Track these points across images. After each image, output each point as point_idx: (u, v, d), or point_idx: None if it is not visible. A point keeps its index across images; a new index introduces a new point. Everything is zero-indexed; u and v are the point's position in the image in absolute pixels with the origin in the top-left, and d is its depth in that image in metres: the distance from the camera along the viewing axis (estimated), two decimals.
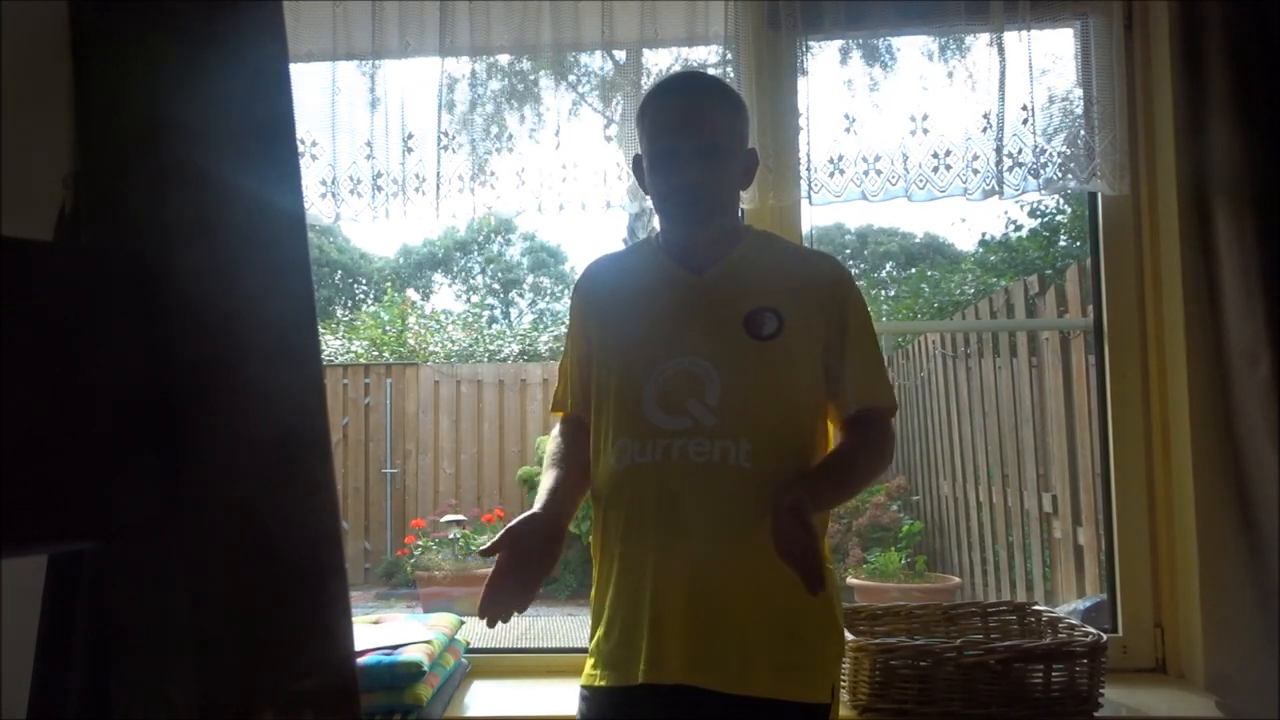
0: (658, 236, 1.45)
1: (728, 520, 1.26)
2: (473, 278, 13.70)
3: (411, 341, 9.25)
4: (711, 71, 1.94)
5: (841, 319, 1.36)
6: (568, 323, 1.52)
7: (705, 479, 1.26)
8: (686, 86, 1.42)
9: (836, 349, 1.35)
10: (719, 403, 1.28)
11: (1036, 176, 1.83)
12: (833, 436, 1.38)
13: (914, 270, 11.67)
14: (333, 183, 1.91)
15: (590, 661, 1.33)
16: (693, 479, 1.26)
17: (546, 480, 1.40)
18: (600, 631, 1.33)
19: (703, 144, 1.31)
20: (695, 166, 1.31)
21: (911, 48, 2.01)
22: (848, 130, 1.87)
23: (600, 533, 1.36)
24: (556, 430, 1.50)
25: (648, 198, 1.43)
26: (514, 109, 2.01)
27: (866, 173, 1.86)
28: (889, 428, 1.38)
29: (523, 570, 1.28)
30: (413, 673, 1.61)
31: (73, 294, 0.80)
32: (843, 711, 1.62)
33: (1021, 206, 8.21)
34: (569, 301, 1.51)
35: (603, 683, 1.29)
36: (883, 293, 11.42)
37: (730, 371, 1.29)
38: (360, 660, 1.61)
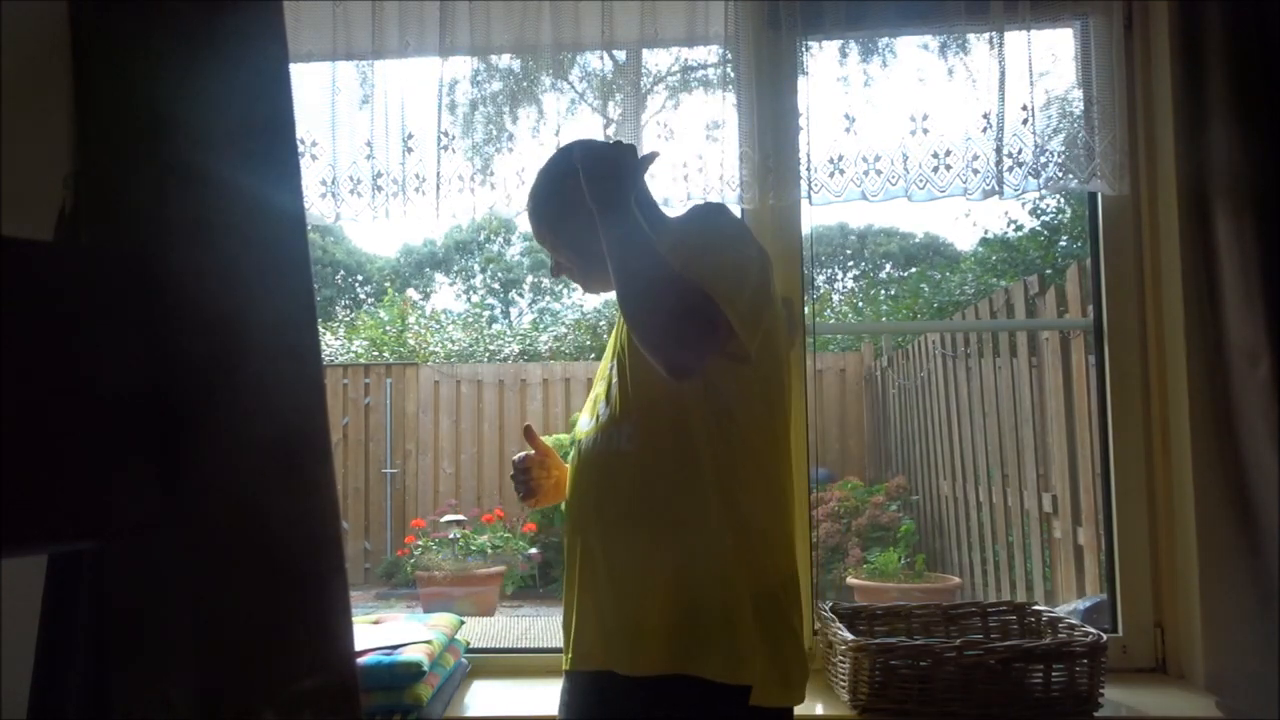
0: None
1: (614, 505, 1.29)
2: (473, 278, 13.69)
3: (411, 341, 9.25)
4: (713, 71, 1.94)
5: (696, 248, 1.24)
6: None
7: (595, 468, 1.32)
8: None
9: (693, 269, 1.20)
10: (615, 394, 1.33)
11: (1036, 176, 1.83)
12: (736, 413, 1.26)
13: (914, 270, 11.67)
14: (333, 183, 1.91)
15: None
16: (588, 471, 1.34)
17: None
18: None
19: (549, 250, 1.44)
20: (558, 266, 1.45)
21: (911, 47, 2.01)
22: (848, 130, 1.87)
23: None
24: None
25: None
26: (514, 109, 2.01)
27: (866, 173, 1.86)
28: (698, 299, 1.16)
29: None
30: (413, 673, 1.61)
31: (73, 294, 0.80)
32: (843, 711, 1.63)
33: (1023, 205, 8.22)
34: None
35: (564, 666, 1.38)
36: (883, 293, 11.41)
37: (624, 362, 1.32)
38: (360, 660, 1.61)
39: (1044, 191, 1.87)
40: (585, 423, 1.38)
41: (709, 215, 1.34)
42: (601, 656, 1.27)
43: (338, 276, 13.44)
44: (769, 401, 1.29)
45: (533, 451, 1.52)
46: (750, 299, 1.21)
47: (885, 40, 2.05)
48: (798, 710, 1.29)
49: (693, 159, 1.88)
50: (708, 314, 1.16)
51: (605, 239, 1.23)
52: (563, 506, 1.44)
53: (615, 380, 1.33)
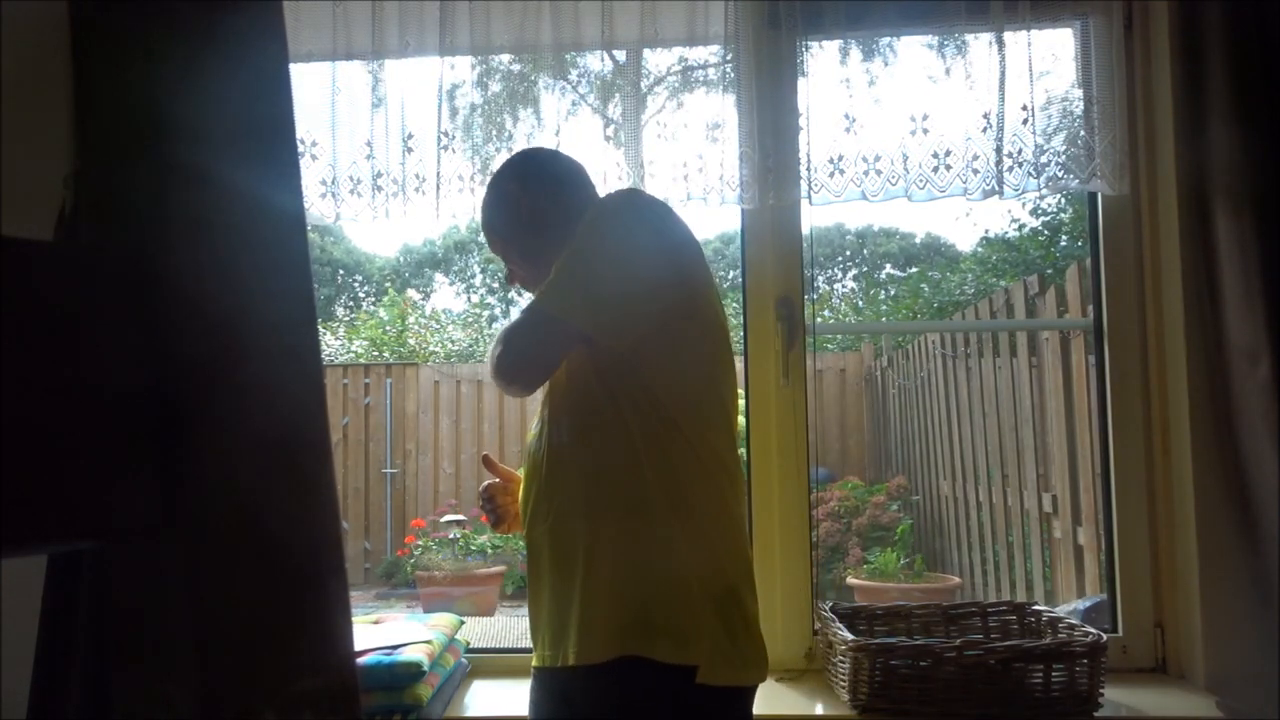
0: None
1: (558, 499, 1.30)
2: (472, 278, 13.69)
3: (411, 341, 9.25)
4: (713, 71, 1.94)
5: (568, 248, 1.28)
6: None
7: (537, 467, 1.34)
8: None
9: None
10: (551, 392, 1.35)
11: (1036, 176, 1.83)
12: (663, 398, 1.26)
13: (914, 270, 11.66)
14: (333, 183, 1.91)
15: None
16: (532, 470, 1.36)
17: None
18: None
19: (500, 253, 1.46)
20: (512, 272, 1.46)
21: (911, 47, 2.01)
22: (848, 130, 1.87)
23: None
24: None
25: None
26: (514, 109, 2.01)
27: (866, 173, 1.86)
28: (528, 320, 1.28)
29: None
30: (413, 673, 1.61)
31: (73, 294, 0.80)
32: (843, 711, 1.63)
33: (1023, 205, 8.21)
34: None
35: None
36: (883, 293, 11.41)
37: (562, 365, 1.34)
38: (360, 660, 1.61)
39: (1044, 191, 1.87)
40: (533, 428, 1.40)
41: (594, 213, 1.30)
42: (553, 652, 1.27)
43: (338, 276, 13.44)
44: (701, 382, 1.29)
45: (496, 480, 1.53)
46: (610, 296, 1.23)
47: (885, 40, 2.05)
48: (798, 710, 1.29)
49: (693, 159, 1.88)
50: (522, 349, 1.28)
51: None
52: None
53: (549, 383, 1.35)
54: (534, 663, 1.32)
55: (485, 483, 1.54)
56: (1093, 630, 1.65)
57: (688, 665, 1.19)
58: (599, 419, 1.27)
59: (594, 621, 1.22)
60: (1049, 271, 7.01)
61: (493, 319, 10.59)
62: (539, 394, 1.38)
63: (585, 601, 1.23)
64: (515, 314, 1.37)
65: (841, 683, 1.66)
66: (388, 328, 9.65)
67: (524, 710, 1.43)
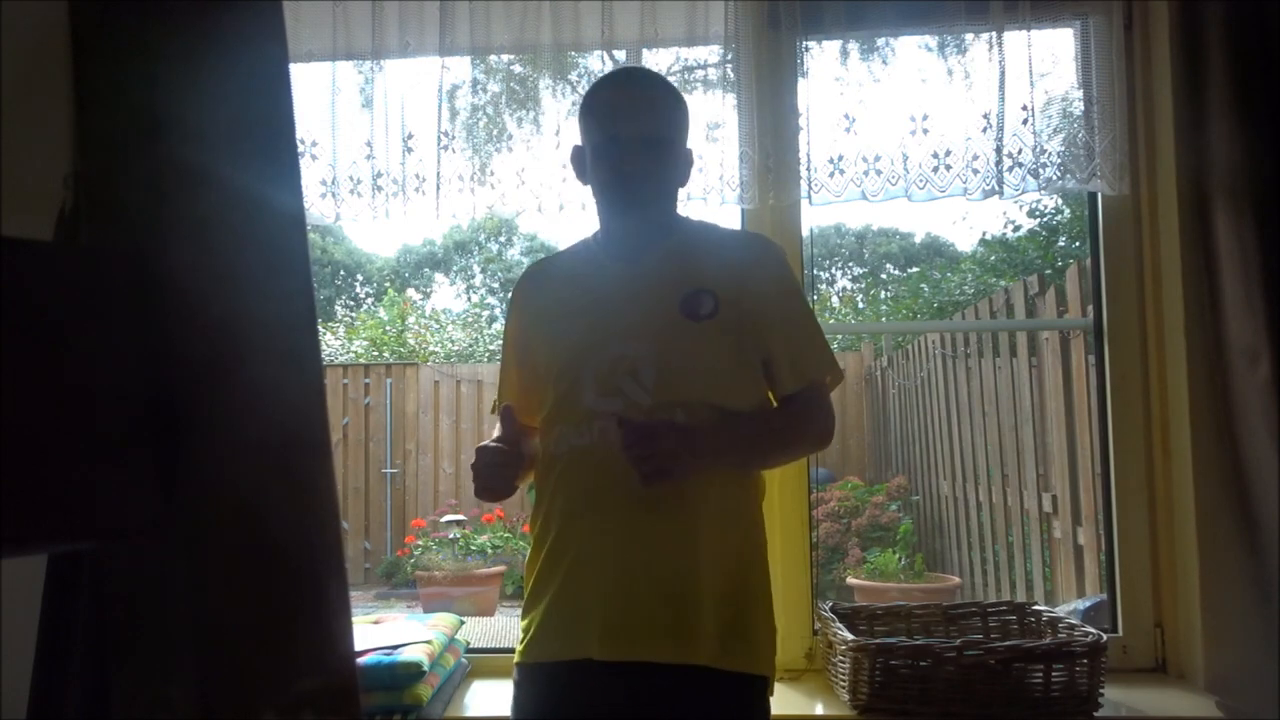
0: (596, 233, 1.47)
1: (664, 495, 1.26)
2: (472, 278, 13.69)
3: (411, 341, 9.25)
4: (713, 71, 1.94)
5: (772, 297, 1.38)
6: (505, 329, 1.53)
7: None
8: (635, 79, 1.47)
9: (768, 329, 1.36)
10: (654, 383, 1.30)
11: (1036, 176, 1.83)
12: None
13: (914, 270, 11.67)
14: (333, 183, 1.91)
15: (523, 639, 1.35)
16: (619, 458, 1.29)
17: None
18: (541, 609, 1.33)
19: (646, 134, 1.34)
20: (643, 156, 1.34)
21: (911, 48, 2.02)
22: (848, 130, 1.87)
23: (539, 518, 1.37)
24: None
25: (587, 188, 1.45)
26: (514, 109, 2.01)
27: (866, 173, 1.86)
28: (823, 400, 1.39)
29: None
30: (413, 673, 1.61)
31: (73, 294, 0.80)
32: (843, 711, 1.63)
33: (1021, 206, 8.22)
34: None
35: (540, 658, 1.31)
36: (883, 293, 11.41)
37: (665, 352, 1.31)
38: (360, 660, 1.61)
39: (1044, 192, 1.87)
40: (597, 400, 1.30)
41: (783, 271, 1.42)
42: (633, 644, 1.24)
43: (338, 276, 13.44)
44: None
45: (500, 445, 1.37)
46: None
47: (885, 40, 2.05)
48: (798, 710, 1.31)
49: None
50: (825, 407, 1.40)
51: (736, 457, 1.35)
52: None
53: (655, 365, 1.30)
54: (682, 657, 1.24)
55: (494, 443, 1.38)
56: (1093, 630, 1.65)
57: (762, 676, 1.32)
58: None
59: (763, 630, 1.32)
60: (1049, 272, 7.01)
61: (492, 319, 10.60)
62: (600, 355, 1.33)
63: (754, 608, 1.31)
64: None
65: (841, 683, 1.66)
66: (388, 328, 9.65)
67: None
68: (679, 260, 1.38)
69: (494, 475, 1.34)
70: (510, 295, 1.54)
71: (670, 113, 1.38)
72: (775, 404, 1.40)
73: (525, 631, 1.35)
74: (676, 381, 1.29)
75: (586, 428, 1.30)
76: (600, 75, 1.53)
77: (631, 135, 1.33)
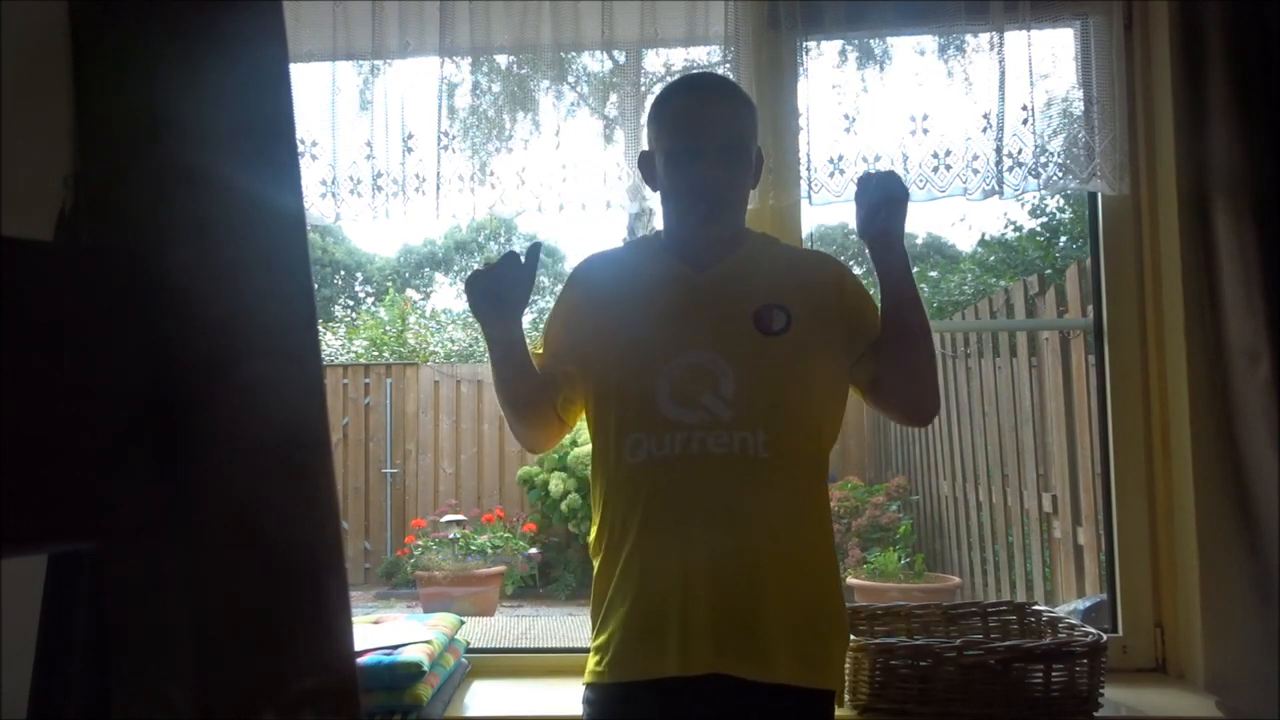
0: (659, 235, 1.46)
1: (750, 510, 1.28)
2: None
3: (411, 341, 9.25)
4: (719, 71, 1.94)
5: (854, 311, 1.41)
6: (554, 314, 1.49)
7: (726, 470, 1.28)
8: (709, 85, 1.45)
9: (860, 336, 1.40)
10: (734, 396, 1.29)
11: (1036, 176, 1.83)
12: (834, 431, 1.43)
13: (914, 270, 11.64)
14: (333, 183, 1.91)
15: (599, 659, 1.31)
16: (713, 470, 1.28)
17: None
18: (613, 627, 1.30)
19: (725, 143, 1.34)
20: (717, 165, 1.33)
21: (911, 48, 2.01)
22: (848, 130, 1.87)
23: (611, 528, 1.34)
24: None
25: (648, 197, 1.45)
26: (514, 109, 2.01)
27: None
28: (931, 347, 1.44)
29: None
30: (413, 673, 1.61)
31: (72, 294, 0.80)
32: (843, 711, 1.63)
33: (1022, 206, 8.22)
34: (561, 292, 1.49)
35: (621, 678, 1.28)
36: None
37: (742, 366, 1.31)
38: (360, 660, 1.61)
39: (1044, 192, 1.87)
40: (679, 411, 1.30)
41: (857, 282, 1.46)
42: (714, 660, 1.24)
43: (338, 276, 13.44)
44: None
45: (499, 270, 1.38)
46: None
47: (885, 40, 2.05)
48: None
49: None
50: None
51: (906, 285, 1.40)
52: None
53: (733, 378, 1.30)
54: (763, 675, 1.24)
55: (500, 261, 1.38)
56: (1093, 630, 1.65)
57: (833, 690, 1.34)
58: (801, 442, 1.34)
59: (838, 645, 1.35)
60: (1049, 272, 7.01)
61: None
62: (676, 364, 1.33)
63: (832, 623, 1.33)
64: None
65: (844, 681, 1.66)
66: (388, 328, 9.65)
67: (524, 710, 1.43)
68: (748, 272, 1.39)
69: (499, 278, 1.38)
70: (570, 277, 1.50)
71: (744, 121, 1.38)
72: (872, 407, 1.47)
73: (602, 651, 1.31)
74: (754, 396, 1.30)
75: (668, 438, 1.29)
76: (673, 79, 1.51)
77: (707, 146, 1.33)
